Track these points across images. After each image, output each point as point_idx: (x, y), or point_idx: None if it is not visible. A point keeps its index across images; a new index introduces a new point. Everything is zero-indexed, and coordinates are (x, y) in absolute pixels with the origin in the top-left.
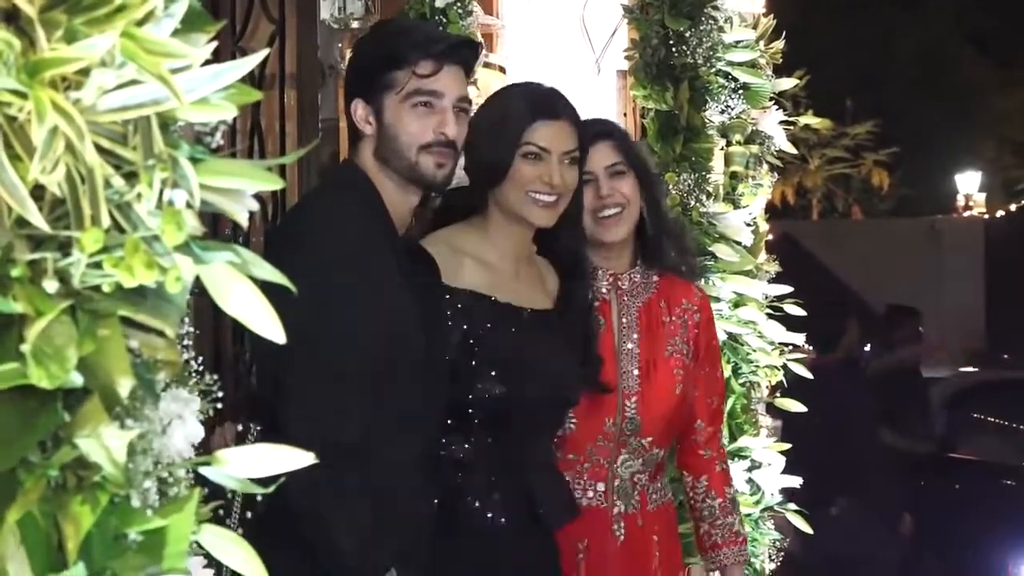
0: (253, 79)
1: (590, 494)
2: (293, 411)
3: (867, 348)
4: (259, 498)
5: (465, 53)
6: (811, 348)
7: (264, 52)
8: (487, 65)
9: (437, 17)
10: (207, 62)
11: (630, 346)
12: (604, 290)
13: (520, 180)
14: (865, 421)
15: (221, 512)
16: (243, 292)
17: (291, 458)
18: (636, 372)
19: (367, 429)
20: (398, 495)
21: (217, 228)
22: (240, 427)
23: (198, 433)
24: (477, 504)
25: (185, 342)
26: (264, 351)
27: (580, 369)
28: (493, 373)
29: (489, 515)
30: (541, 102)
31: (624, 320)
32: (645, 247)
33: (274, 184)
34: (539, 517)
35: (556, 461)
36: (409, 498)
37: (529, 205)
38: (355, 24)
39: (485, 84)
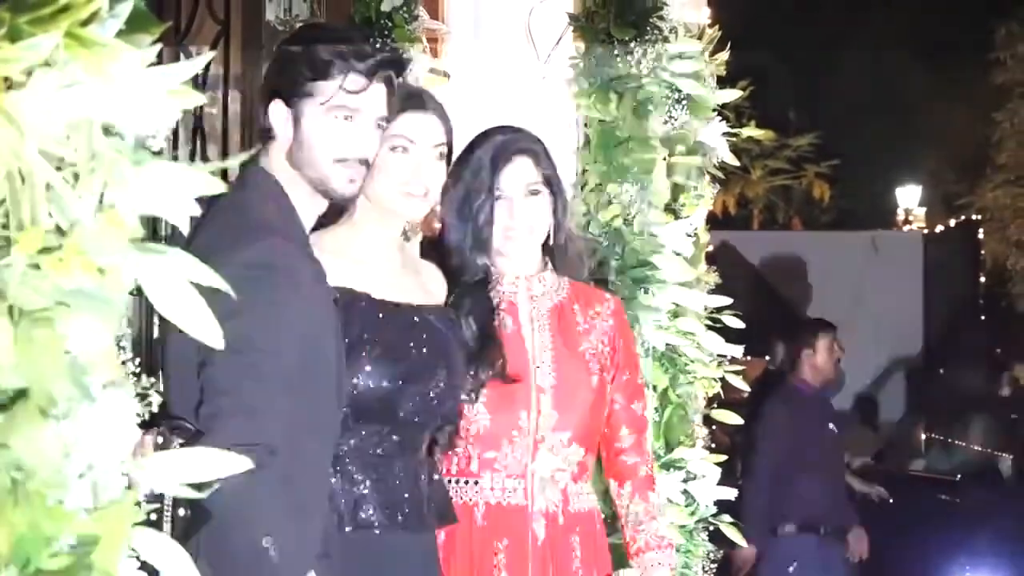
0: (196, 80)
1: (509, 492)
2: (213, 414)
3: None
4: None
5: (392, 71)
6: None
7: (209, 55)
8: (431, 70)
9: (383, 20)
10: (151, 64)
11: (543, 342)
12: (511, 292)
13: (390, 173)
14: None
15: (153, 515)
16: (182, 296)
17: (225, 463)
18: (551, 367)
19: (287, 429)
20: (315, 495)
21: (156, 231)
22: (160, 438)
23: (134, 435)
24: (353, 504)
25: (122, 344)
26: (180, 354)
27: (468, 365)
28: (369, 368)
29: (363, 514)
30: (408, 96)
31: (535, 319)
32: (551, 255)
33: (215, 188)
34: (412, 518)
35: (437, 462)
36: (324, 498)
37: (401, 198)
38: (300, 26)
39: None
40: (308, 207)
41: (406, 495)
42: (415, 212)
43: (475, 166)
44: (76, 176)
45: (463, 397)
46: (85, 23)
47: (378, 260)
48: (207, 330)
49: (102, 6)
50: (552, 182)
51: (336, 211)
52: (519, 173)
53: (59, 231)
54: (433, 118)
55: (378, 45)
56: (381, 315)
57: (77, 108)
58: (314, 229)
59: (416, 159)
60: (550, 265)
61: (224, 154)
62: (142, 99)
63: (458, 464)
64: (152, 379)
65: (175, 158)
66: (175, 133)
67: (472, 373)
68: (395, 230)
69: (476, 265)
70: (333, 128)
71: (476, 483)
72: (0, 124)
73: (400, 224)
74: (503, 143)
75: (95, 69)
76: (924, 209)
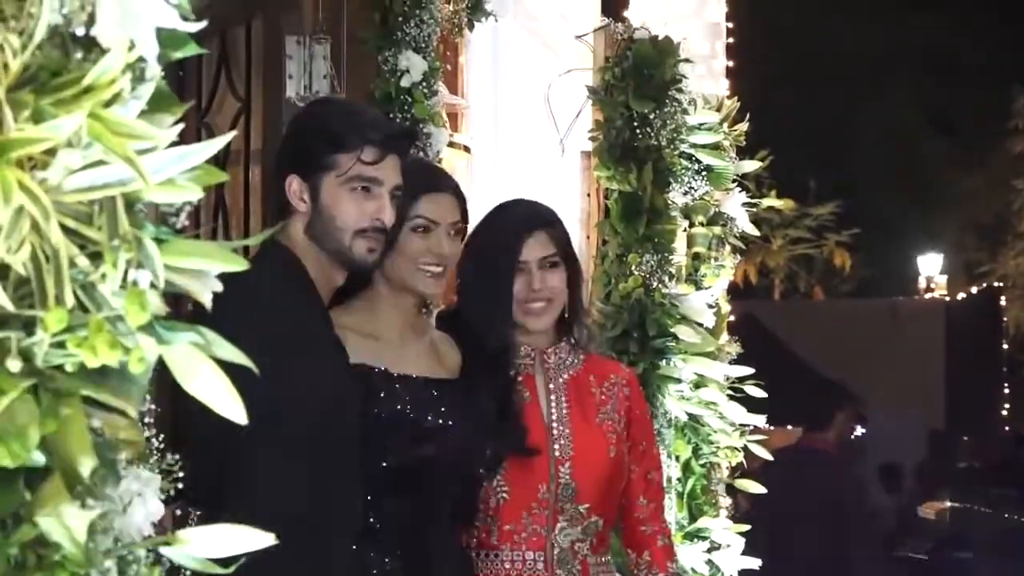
0: (218, 157)
1: (530, 564)
2: (235, 488)
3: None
4: None
5: (406, 144)
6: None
7: (230, 135)
8: (452, 145)
9: (403, 96)
10: (173, 142)
11: (560, 414)
12: (527, 364)
13: (410, 253)
14: (858, 512)
15: None
16: (206, 373)
17: (251, 538)
18: (569, 438)
19: (311, 501)
20: (339, 570)
21: (180, 307)
22: (179, 512)
23: (159, 512)
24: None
25: (146, 420)
26: (201, 428)
27: (485, 437)
28: (388, 442)
29: None
30: (426, 176)
31: (552, 391)
32: (567, 327)
33: (238, 265)
34: None
35: (457, 535)
36: (351, 572)
37: (420, 277)
38: (312, 101)
39: (450, 164)
40: (327, 279)
41: (432, 568)
42: (433, 288)
43: (496, 239)
44: (100, 255)
45: (482, 471)
46: (108, 104)
47: (393, 335)
48: (231, 406)
49: (124, 87)
50: (569, 255)
51: (354, 283)
52: (539, 246)
53: (83, 309)
54: (451, 197)
55: (391, 116)
56: (397, 389)
57: (100, 188)
58: (332, 303)
59: (436, 238)
60: (565, 337)
61: (246, 229)
62: (164, 178)
63: (478, 537)
64: (176, 455)
65: (197, 235)
66: (197, 209)
67: (491, 446)
68: (411, 305)
69: (497, 337)
70: (352, 200)
71: (496, 555)
72: (24, 203)
73: (415, 300)
74: (523, 216)
75: (118, 149)
76: (945, 277)
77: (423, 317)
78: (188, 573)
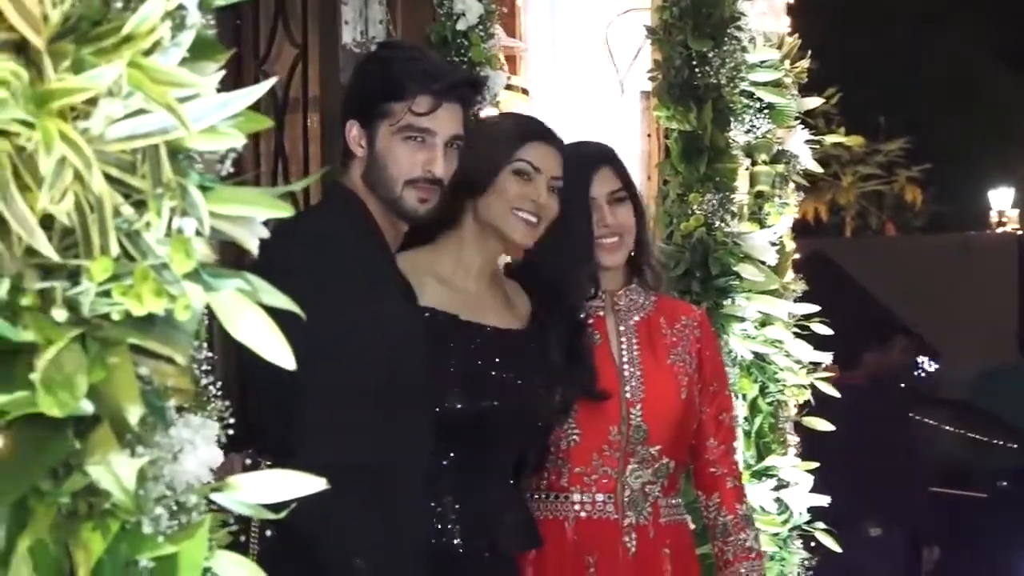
0: (276, 103)
1: (600, 506)
2: (300, 434)
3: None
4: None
5: (465, 92)
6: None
7: (271, 81)
8: (509, 87)
9: (459, 40)
10: (226, 87)
11: (631, 356)
12: (597, 307)
13: (507, 195)
14: (906, 441)
15: (241, 538)
16: (253, 319)
17: (303, 483)
18: (640, 380)
19: (376, 448)
20: (408, 516)
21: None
22: (249, 460)
23: (215, 458)
24: (438, 525)
25: (204, 367)
26: (265, 375)
27: (554, 387)
28: (455, 390)
29: (449, 537)
30: (536, 124)
31: (623, 332)
32: (636, 268)
33: (283, 211)
34: (497, 540)
35: (519, 484)
36: (417, 518)
37: (513, 221)
38: (378, 45)
39: (508, 107)
40: (390, 224)
41: (492, 517)
42: (525, 237)
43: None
44: (144, 203)
45: (553, 416)
46: (148, 52)
47: (470, 283)
48: (279, 353)
49: (164, 35)
50: (632, 191)
51: (439, 225)
52: (606, 180)
53: (128, 257)
54: (557, 152)
55: (452, 65)
56: (466, 337)
57: (142, 136)
58: (415, 242)
59: (536, 186)
60: (635, 279)
61: (305, 175)
62: (207, 125)
63: (548, 479)
64: (228, 402)
65: (256, 178)
66: (256, 155)
67: (562, 391)
68: (494, 253)
69: (583, 278)
70: (403, 149)
71: (567, 498)
72: (67, 154)
73: (500, 252)
74: (585, 153)
75: (159, 97)
76: (1017, 211)
77: (499, 267)
78: (257, 525)
